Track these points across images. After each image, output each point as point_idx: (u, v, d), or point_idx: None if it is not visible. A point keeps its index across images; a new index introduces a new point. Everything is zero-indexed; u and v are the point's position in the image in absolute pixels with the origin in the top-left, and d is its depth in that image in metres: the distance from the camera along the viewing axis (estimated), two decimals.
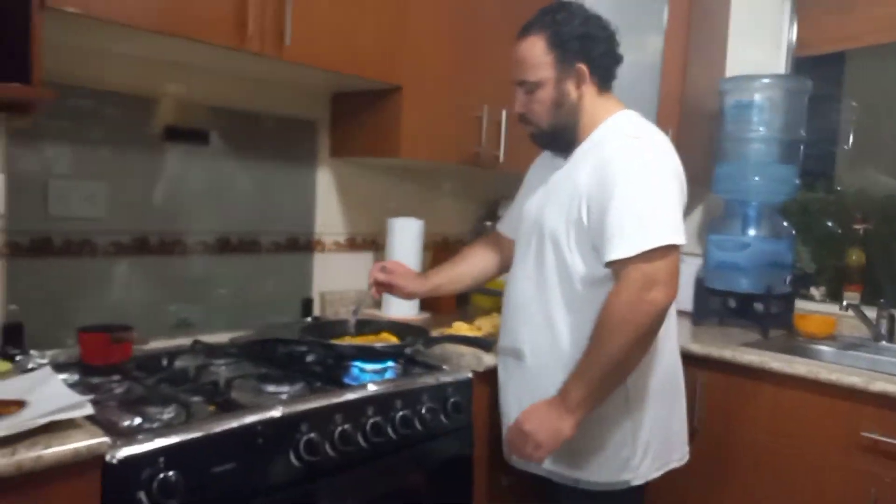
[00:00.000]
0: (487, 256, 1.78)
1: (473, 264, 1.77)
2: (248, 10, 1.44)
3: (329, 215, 2.10)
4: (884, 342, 2.12)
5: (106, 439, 1.01)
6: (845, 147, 2.44)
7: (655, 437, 1.47)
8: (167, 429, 1.11)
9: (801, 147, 2.30)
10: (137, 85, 1.64)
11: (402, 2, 1.80)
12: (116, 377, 1.35)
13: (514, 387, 1.55)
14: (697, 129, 2.39)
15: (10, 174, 1.46)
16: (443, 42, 1.94)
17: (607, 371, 1.30)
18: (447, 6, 1.94)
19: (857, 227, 2.31)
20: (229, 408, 1.24)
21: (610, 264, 1.32)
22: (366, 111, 1.95)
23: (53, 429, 0.99)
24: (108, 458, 1.01)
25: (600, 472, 1.44)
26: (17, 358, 1.39)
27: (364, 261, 2.21)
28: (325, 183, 2.08)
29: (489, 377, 1.66)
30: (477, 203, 2.59)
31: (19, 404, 1.04)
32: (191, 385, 1.36)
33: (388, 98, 1.87)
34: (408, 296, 1.72)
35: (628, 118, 1.47)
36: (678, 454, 1.55)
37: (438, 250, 2.37)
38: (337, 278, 2.12)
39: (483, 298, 2.40)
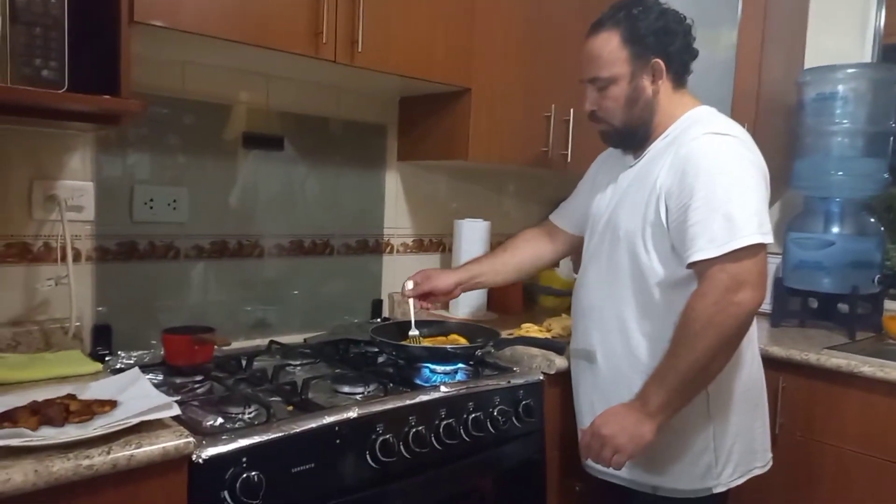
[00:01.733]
0: (536, 246, 1.75)
1: (518, 253, 1.74)
2: (323, 20, 1.47)
3: (397, 217, 2.12)
4: None
5: (192, 439, 1.04)
6: None
7: (738, 444, 1.42)
8: (249, 429, 1.14)
9: (892, 139, 2.17)
10: (216, 93, 1.70)
11: (470, 5, 1.80)
12: (198, 377, 1.40)
13: (587, 390, 1.52)
14: (774, 123, 2.29)
15: (100, 182, 1.53)
16: (511, 43, 1.93)
17: (690, 375, 1.26)
18: (515, 7, 1.93)
19: None
20: (307, 408, 1.27)
21: (693, 265, 1.28)
22: (434, 115, 1.96)
23: (143, 429, 1.03)
24: (194, 457, 1.05)
25: (681, 480, 1.40)
26: (107, 359, 1.46)
27: (431, 262, 2.22)
28: (392, 186, 2.10)
29: (560, 380, 1.64)
30: (541, 203, 2.56)
31: (112, 404, 1.09)
32: (269, 385, 1.39)
33: (456, 101, 1.88)
34: (447, 292, 1.66)
35: (707, 114, 1.42)
36: (761, 461, 1.49)
37: None
38: (405, 279, 2.13)
39: (549, 299, 2.37)
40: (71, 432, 0.98)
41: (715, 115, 1.41)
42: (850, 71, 2.15)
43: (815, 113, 2.19)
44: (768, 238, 1.27)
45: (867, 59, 2.33)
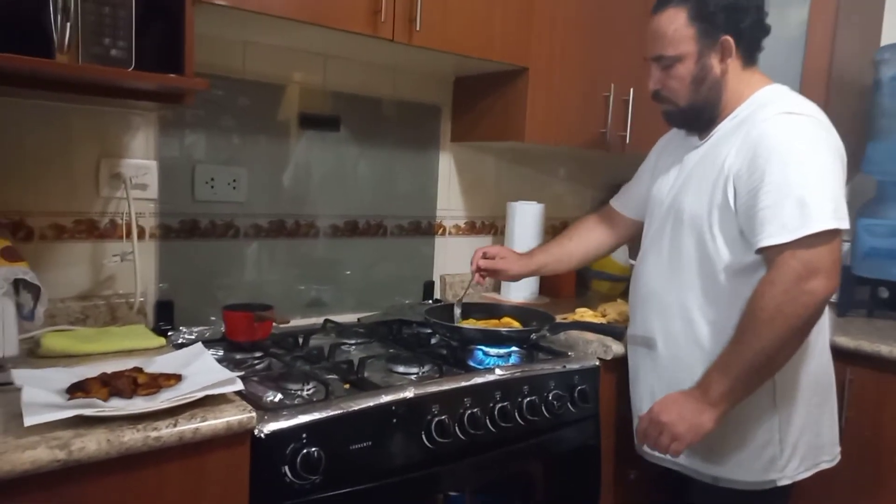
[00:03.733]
0: (600, 234, 1.72)
1: (583, 242, 1.72)
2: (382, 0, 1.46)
3: (450, 199, 2.11)
4: None
5: (254, 414, 1.06)
6: None
7: (805, 437, 1.37)
8: (309, 405, 1.15)
9: None
10: (274, 73, 1.71)
11: None
12: (258, 354, 1.42)
13: (646, 377, 1.49)
14: (846, 104, 2.18)
15: (162, 161, 1.56)
16: (569, 20, 1.88)
17: (756, 365, 1.22)
18: None
19: None
20: (364, 387, 1.28)
21: (763, 251, 1.22)
22: (489, 95, 1.93)
23: (207, 403, 1.05)
24: (256, 432, 1.06)
25: (743, 471, 1.36)
26: (169, 333, 1.49)
27: (483, 244, 2.18)
28: (445, 167, 2.09)
29: (617, 366, 1.61)
30: (594, 188, 2.51)
31: (177, 378, 1.12)
32: (326, 363, 1.41)
33: (513, 80, 1.85)
34: (512, 277, 1.71)
35: (779, 93, 1.36)
36: (829, 454, 1.44)
37: (558, 234, 2.32)
38: (457, 261, 2.12)
39: (603, 284, 2.33)
40: (139, 404, 1.01)
41: (788, 94, 1.35)
42: None
43: (893, 93, 2.07)
44: (844, 224, 1.21)
45: None
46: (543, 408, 1.45)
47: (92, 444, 0.91)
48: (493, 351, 1.55)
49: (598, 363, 1.59)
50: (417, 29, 1.53)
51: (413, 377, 1.37)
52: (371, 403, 1.19)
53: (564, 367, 1.53)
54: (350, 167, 1.87)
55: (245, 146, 1.68)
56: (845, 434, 1.67)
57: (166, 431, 0.97)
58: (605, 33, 1.95)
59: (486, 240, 2.22)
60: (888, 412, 1.72)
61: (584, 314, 1.82)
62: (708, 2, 1.33)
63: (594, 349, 1.62)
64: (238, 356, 1.40)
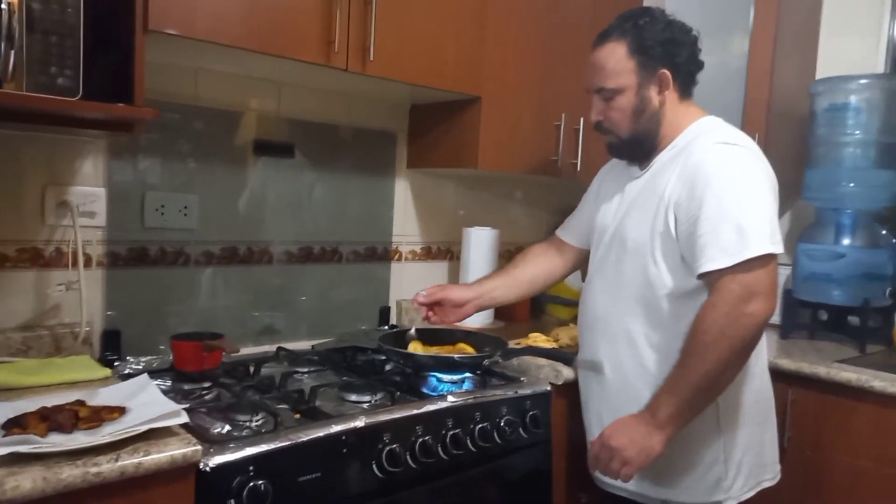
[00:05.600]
0: (546, 263, 1.73)
1: (529, 271, 1.72)
2: (335, 28, 1.48)
3: (405, 225, 2.13)
4: None
5: (199, 447, 1.04)
6: None
7: (748, 457, 1.41)
8: (257, 437, 1.14)
9: None
10: (228, 100, 1.71)
11: (482, 12, 1.81)
12: (206, 384, 1.40)
13: (595, 402, 1.52)
14: (785, 133, 2.28)
15: (112, 188, 1.54)
16: (521, 52, 1.93)
17: (702, 387, 1.25)
18: (527, 17, 1.93)
19: None
20: (314, 416, 1.27)
21: (704, 276, 1.27)
22: (444, 122, 1.97)
23: (152, 436, 1.04)
24: (201, 465, 1.05)
25: (690, 493, 1.39)
26: (116, 364, 1.46)
27: (439, 269, 2.22)
28: (402, 193, 2.11)
29: (568, 390, 1.63)
30: (550, 211, 2.56)
31: (121, 410, 1.09)
32: (277, 393, 1.40)
33: (466, 109, 1.88)
34: (456, 306, 1.61)
35: (714, 124, 1.42)
36: (770, 473, 1.48)
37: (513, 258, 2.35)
38: (413, 287, 2.11)
39: (558, 308, 2.37)
40: (80, 439, 0.98)
41: (722, 125, 1.41)
42: (862, 81, 2.13)
43: (827, 123, 2.18)
44: (779, 248, 1.26)
45: (880, 68, 2.32)
46: (495, 434, 1.46)
47: (27, 482, 0.89)
48: (446, 377, 1.57)
49: (549, 388, 1.61)
50: (371, 59, 1.55)
51: (365, 405, 1.37)
52: (321, 434, 1.19)
53: (516, 392, 1.55)
54: (305, 194, 1.88)
55: (197, 173, 1.67)
56: (788, 453, 1.72)
57: (107, 467, 0.95)
58: (556, 64, 2.01)
59: (443, 265, 2.24)
60: (828, 431, 1.78)
61: (537, 339, 1.84)
62: (646, 36, 1.38)
63: (546, 374, 1.65)
64: (186, 387, 1.38)
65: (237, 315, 1.76)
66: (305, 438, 1.17)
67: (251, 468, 1.09)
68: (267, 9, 1.40)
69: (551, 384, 1.62)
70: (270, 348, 1.75)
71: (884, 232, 2.17)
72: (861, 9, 2.35)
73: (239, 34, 1.37)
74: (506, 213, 2.43)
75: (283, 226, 1.84)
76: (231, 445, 1.09)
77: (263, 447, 1.12)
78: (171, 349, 1.42)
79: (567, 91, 2.02)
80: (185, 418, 1.07)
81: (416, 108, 2.07)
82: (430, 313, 1.61)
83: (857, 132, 2.12)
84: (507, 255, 2.31)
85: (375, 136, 2.02)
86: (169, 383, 1.39)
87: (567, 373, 1.63)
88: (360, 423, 1.25)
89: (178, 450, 1.02)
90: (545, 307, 2.40)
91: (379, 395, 1.41)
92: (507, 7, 1.87)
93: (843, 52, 2.38)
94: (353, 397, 1.40)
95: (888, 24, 2.32)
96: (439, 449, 1.36)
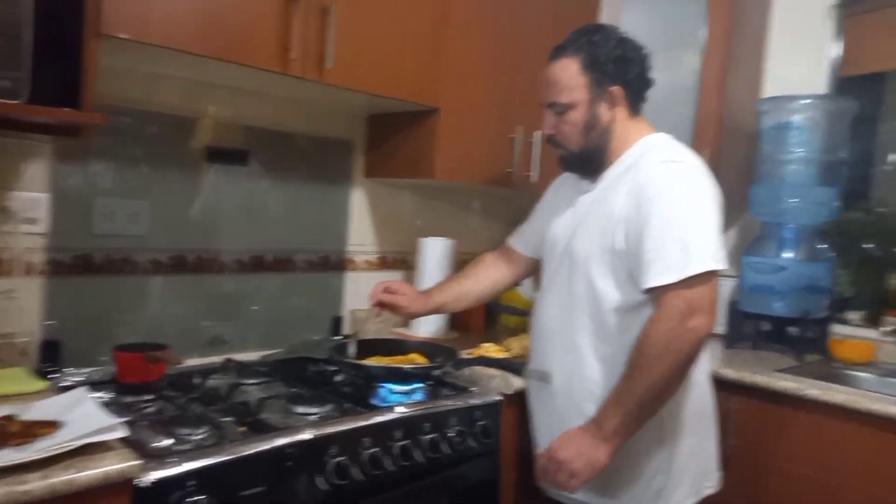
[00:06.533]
0: (497, 271, 1.76)
1: (480, 280, 1.74)
2: (292, 35, 1.47)
3: (361, 234, 2.12)
4: None
5: (136, 462, 1.02)
6: (886, 167, 2.37)
7: (690, 465, 1.44)
8: (198, 451, 1.12)
9: (843, 168, 2.24)
10: (182, 106, 1.68)
11: (441, 25, 1.82)
12: (149, 396, 1.37)
13: (543, 412, 1.53)
14: (735, 149, 2.35)
15: (57, 193, 1.50)
16: (480, 64, 1.95)
17: (645, 399, 1.28)
18: (485, 31, 1.95)
19: None
20: (260, 429, 1.25)
21: (649, 291, 1.30)
22: (401, 132, 1.97)
23: (87, 451, 1.01)
24: (137, 481, 1.02)
25: (634, 502, 1.42)
26: (53, 376, 1.42)
27: (394, 279, 2.21)
28: (358, 202, 2.10)
29: (518, 400, 1.65)
30: (507, 222, 2.58)
31: (54, 425, 1.06)
32: (223, 405, 1.38)
33: (424, 120, 1.89)
34: (409, 315, 1.74)
35: (662, 141, 1.45)
36: (711, 481, 1.52)
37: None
38: (367, 297, 2.12)
39: (511, 318, 2.38)
40: (8, 456, 0.95)
41: (670, 143, 1.44)
42: (805, 101, 2.21)
43: (772, 141, 2.25)
44: (722, 265, 1.30)
45: (823, 89, 2.41)
46: (445, 444, 1.47)
47: None
48: (397, 388, 1.56)
49: (500, 398, 1.63)
50: (328, 67, 1.54)
51: (313, 417, 1.36)
52: (265, 447, 1.18)
53: (467, 402, 1.56)
54: (259, 201, 1.85)
55: (149, 179, 1.64)
56: (730, 461, 1.76)
57: (37, 484, 0.92)
58: (513, 78, 2.03)
59: (398, 275, 2.24)
60: (768, 439, 1.83)
61: (490, 349, 1.86)
62: (599, 53, 1.41)
63: (497, 384, 1.66)
64: (128, 399, 1.35)
65: (186, 325, 1.73)
66: (249, 452, 1.16)
67: (191, 483, 1.07)
68: (223, 15, 1.38)
69: (502, 394, 1.64)
70: (219, 359, 1.72)
71: (823, 246, 2.26)
72: (805, 31, 2.44)
73: (194, 39, 1.35)
74: (462, 223, 2.44)
75: (235, 234, 1.81)
76: (170, 460, 1.07)
77: (205, 461, 1.10)
78: (114, 360, 1.39)
79: (523, 104, 2.05)
80: (122, 432, 1.05)
81: (374, 118, 2.07)
82: (381, 309, 1.66)
83: (800, 150, 2.20)
84: (462, 265, 2.30)
85: (332, 144, 2.01)
86: (110, 396, 1.36)
87: (517, 383, 1.64)
88: (306, 435, 1.24)
89: (114, 465, 0.99)
90: (499, 317, 2.42)
91: (328, 407, 1.40)
92: (467, 20, 1.89)
93: (789, 72, 2.46)
94: (301, 409, 1.39)
95: (830, 47, 2.41)
96: (388, 461, 1.35)
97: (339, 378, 1.63)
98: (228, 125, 1.77)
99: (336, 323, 2.04)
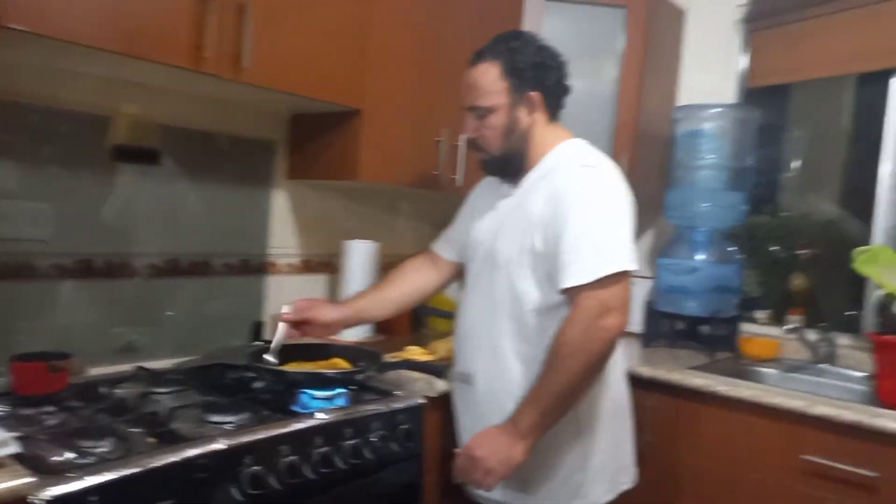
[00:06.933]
0: (421, 277, 1.75)
1: (401, 287, 1.72)
2: (205, 33, 1.42)
3: (283, 237, 2.08)
4: (824, 365, 2.18)
5: (30, 479, 0.96)
6: (790, 174, 2.52)
7: (606, 462, 1.49)
8: (101, 464, 1.07)
9: (750, 174, 2.37)
10: (92, 103, 1.60)
11: (364, 25, 1.80)
12: (51, 408, 1.30)
13: (466, 413, 1.55)
14: (651, 155, 2.44)
15: None
16: (404, 67, 1.94)
17: (560, 397, 1.31)
18: (409, 32, 1.94)
19: (800, 251, 2.38)
20: (171, 440, 1.20)
21: (565, 291, 1.33)
22: (325, 134, 1.94)
23: None
24: (32, 498, 0.96)
25: (553, 499, 1.45)
26: None
27: (318, 283, 2.19)
28: (280, 204, 2.06)
29: (442, 403, 1.65)
30: (433, 224, 2.59)
31: None
32: (131, 415, 1.32)
33: (347, 121, 1.86)
34: (325, 326, 1.60)
35: (578, 147, 1.49)
36: (627, 476, 1.57)
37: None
38: (290, 301, 2.07)
39: (439, 321, 2.39)
40: None
41: (586, 148, 1.49)
42: (715, 110, 2.33)
43: (686, 147, 2.35)
44: (633, 265, 1.35)
45: (732, 99, 2.53)
46: (367, 450, 1.45)
47: None
48: (319, 394, 1.53)
49: (423, 401, 1.62)
50: (245, 66, 1.50)
51: (228, 426, 1.32)
52: (175, 459, 1.13)
53: (389, 406, 1.55)
54: (174, 203, 1.78)
55: (54, 179, 1.55)
56: (646, 457, 1.82)
57: None
58: (438, 81, 2.03)
59: (322, 278, 2.21)
60: (682, 435, 1.91)
61: (414, 352, 1.86)
62: (518, 59, 1.44)
63: (420, 387, 1.66)
64: (26, 412, 1.27)
65: (94, 333, 1.64)
66: (158, 464, 1.11)
67: (93, 499, 1.01)
68: (131, 9, 1.32)
69: (426, 397, 1.64)
70: (130, 368, 1.64)
71: (732, 248, 2.37)
72: (716, 44, 2.56)
73: (99, 34, 1.28)
74: (389, 225, 2.43)
75: (149, 237, 1.74)
76: (70, 475, 1.02)
77: (109, 475, 1.04)
78: (10, 371, 1.30)
79: (448, 107, 2.05)
80: (13, 448, 0.99)
81: (297, 118, 2.03)
82: (296, 332, 1.58)
83: (711, 156, 2.30)
84: (388, 268, 2.28)
85: (253, 145, 1.96)
86: (5, 409, 1.27)
87: (441, 385, 1.65)
88: (220, 445, 1.20)
89: (4, 483, 0.93)
90: (425, 319, 2.42)
91: (244, 415, 1.36)
92: (391, 21, 1.88)
93: (702, 82, 2.58)
94: (216, 418, 1.34)
95: (738, 60, 2.55)
96: (307, 468, 1.33)
97: (257, 385, 1.59)
98: (143, 124, 1.70)
99: (256, 328, 1.98)
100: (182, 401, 1.44)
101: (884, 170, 2.25)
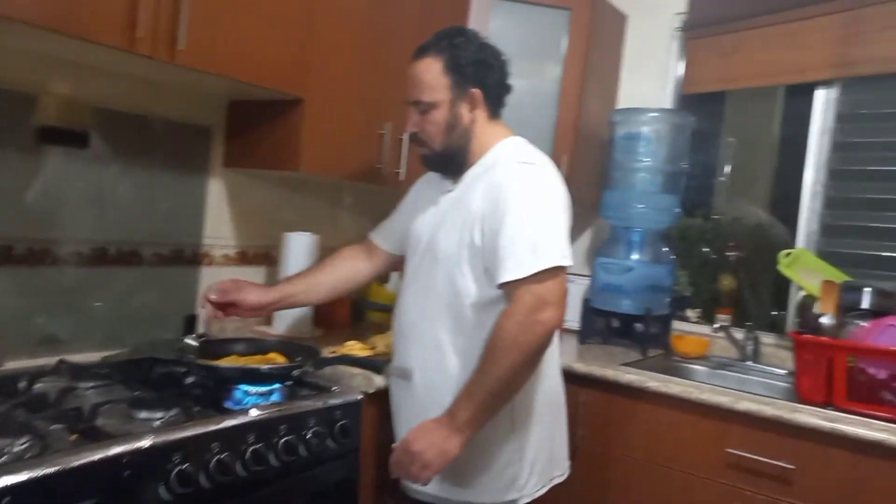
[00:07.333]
0: (354, 265, 1.75)
1: (333, 272, 1.73)
2: (139, 12, 1.36)
3: (219, 227, 2.02)
4: (750, 363, 2.28)
5: None
6: (722, 179, 2.62)
7: (541, 455, 1.51)
8: (17, 463, 1.01)
9: (684, 178, 2.45)
10: (16, 80, 1.51)
11: (309, 14, 1.76)
12: None
13: (404, 407, 1.55)
14: (590, 156, 2.49)
15: None
16: (348, 57, 1.91)
17: (496, 391, 1.32)
18: (354, 22, 1.92)
19: (729, 253, 2.48)
20: (94, 437, 1.15)
21: (502, 286, 1.35)
22: (265, 121, 1.89)
23: None
24: None
25: (488, 494, 1.46)
26: None
27: (255, 274, 2.13)
28: (216, 193, 1.99)
29: (380, 398, 1.64)
30: (375, 218, 2.56)
31: None
32: (52, 411, 1.25)
33: (289, 110, 1.82)
34: (252, 309, 1.61)
35: (517, 144, 1.51)
36: (560, 470, 1.61)
37: None
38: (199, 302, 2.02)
39: (377, 314, 2.38)
40: None
41: (524, 146, 1.51)
42: (652, 115, 2.39)
43: (623, 150, 2.41)
44: (568, 261, 1.37)
45: (668, 105, 2.61)
46: (302, 446, 1.42)
47: None
48: (253, 390, 1.50)
49: (360, 397, 1.61)
50: (180, 47, 1.44)
51: (156, 423, 1.27)
52: (97, 457, 1.08)
53: (326, 402, 1.52)
54: (103, 189, 1.70)
55: None
56: (579, 451, 1.88)
57: None
58: (383, 75, 2.01)
59: (259, 270, 2.16)
60: (614, 429, 1.96)
61: (353, 347, 1.84)
62: (460, 55, 1.45)
63: (358, 383, 1.65)
64: None
65: (12, 323, 1.55)
66: (79, 462, 1.06)
67: (7, 500, 0.96)
68: None
69: (363, 392, 1.62)
70: (52, 361, 1.56)
71: (666, 249, 2.45)
72: (654, 51, 2.64)
73: (24, 7, 1.20)
74: (330, 218, 2.39)
75: (73, 223, 1.65)
76: None
77: (24, 475, 0.99)
78: None
79: (392, 101, 2.03)
80: None
81: (236, 105, 1.97)
82: (220, 314, 1.55)
83: (647, 160, 2.37)
84: None
85: (188, 130, 1.89)
86: None
87: (379, 381, 1.64)
88: (145, 442, 1.15)
89: None
90: (365, 313, 2.40)
91: (173, 412, 1.31)
92: (336, 10, 1.84)
93: (640, 86, 2.65)
94: (144, 414, 1.29)
95: (674, 67, 2.63)
96: (238, 466, 1.29)
97: (189, 380, 1.54)
98: (72, 104, 1.61)
99: (189, 321, 1.91)
100: (107, 396, 1.38)
101: (807, 177, 2.36)
